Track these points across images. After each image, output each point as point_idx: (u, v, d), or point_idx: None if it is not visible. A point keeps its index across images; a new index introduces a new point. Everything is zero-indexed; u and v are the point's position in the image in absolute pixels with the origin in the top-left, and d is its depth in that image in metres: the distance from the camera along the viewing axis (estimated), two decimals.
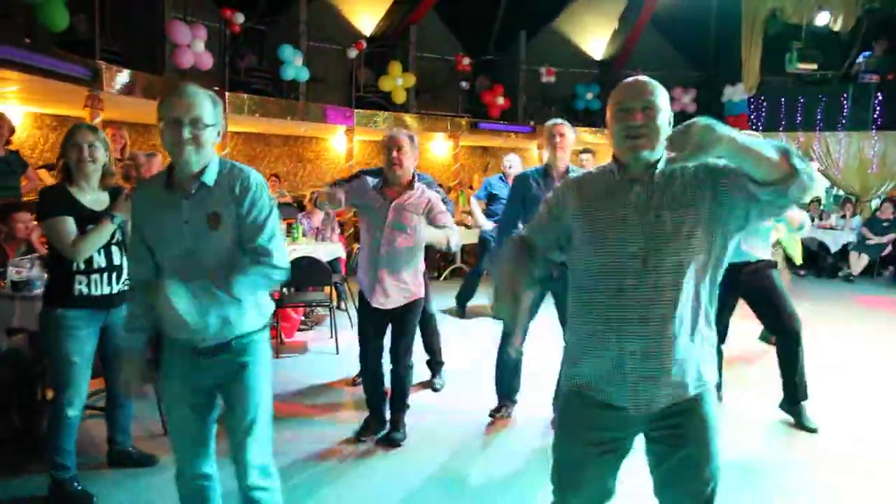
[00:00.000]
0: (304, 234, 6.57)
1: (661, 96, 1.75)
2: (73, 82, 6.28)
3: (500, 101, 12.26)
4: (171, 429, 2.25)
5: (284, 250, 2.12)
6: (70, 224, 2.84)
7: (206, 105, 1.98)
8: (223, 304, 2.05)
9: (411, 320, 3.56)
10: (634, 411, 1.74)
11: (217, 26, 8.94)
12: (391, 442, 3.58)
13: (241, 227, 2.04)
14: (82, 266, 2.88)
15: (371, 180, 3.53)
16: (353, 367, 4.89)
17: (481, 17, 12.98)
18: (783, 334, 3.97)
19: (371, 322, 3.55)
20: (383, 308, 3.48)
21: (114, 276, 2.98)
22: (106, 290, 2.95)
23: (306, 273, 5.45)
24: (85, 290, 2.88)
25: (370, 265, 3.45)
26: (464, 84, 12.15)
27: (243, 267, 2.02)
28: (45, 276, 3.85)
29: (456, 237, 3.52)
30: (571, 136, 3.78)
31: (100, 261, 2.91)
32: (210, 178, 2.03)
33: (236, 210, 2.02)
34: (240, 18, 9.03)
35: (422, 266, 3.59)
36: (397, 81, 10.98)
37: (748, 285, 3.90)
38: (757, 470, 3.43)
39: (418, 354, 4.61)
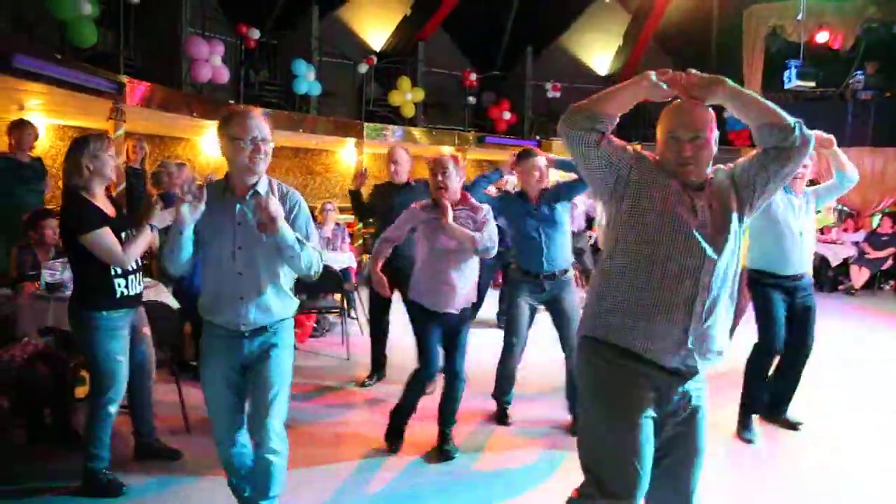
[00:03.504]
0: None
1: (710, 124, 1.92)
2: (99, 95, 6.55)
3: (507, 115, 12.50)
4: (211, 405, 2.55)
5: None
6: (112, 235, 2.98)
7: (266, 126, 2.41)
8: (264, 295, 2.45)
9: (466, 329, 3.66)
10: (652, 358, 1.93)
11: (233, 41, 9.21)
12: (445, 455, 3.60)
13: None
14: (119, 270, 3.04)
15: (418, 208, 3.60)
16: (363, 372, 5.09)
17: (488, 34, 13.26)
18: (803, 350, 3.97)
19: (432, 327, 3.58)
20: (440, 312, 3.54)
21: (140, 275, 3.20)
22: (138, 290, 3.17)
23: (319, 280, 5.61)
24: (125, 290, 3.07)
25: (433, 273, 3.54)
26: (471, 99, 12.40)
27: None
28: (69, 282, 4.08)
29: (488, 233, 3.51)
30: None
31: (132, 263, 3.10)
32: (263, 188, 2.44)
33: (285, 220, 2.37)
34: (255, 34, 9.31)
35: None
36: (406, 96, 11.24)
37: (799, 299, 3.90)
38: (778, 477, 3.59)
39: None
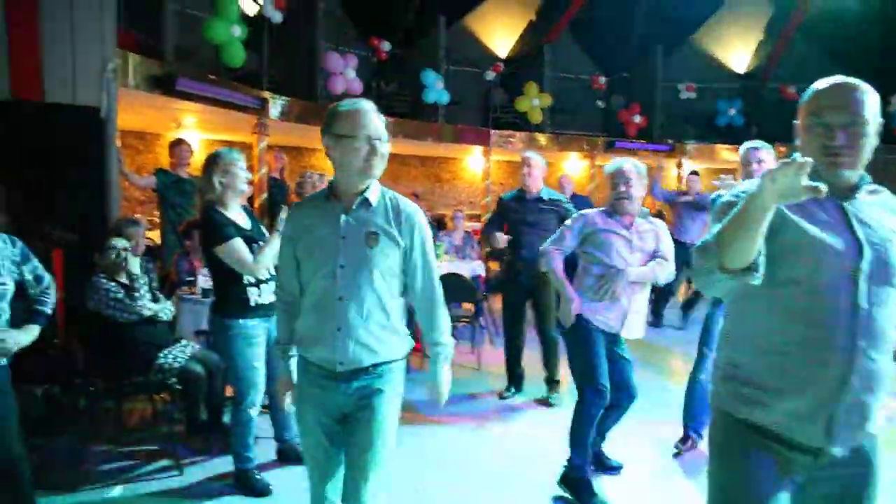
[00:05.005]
0: (446, 252, 6.83)
1: (871, 107, 1.50)
2: (245, 111, 6.99)
3: (637, 119, 12.05)
4: (306, 455, 2.17)
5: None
6: (243, 245, 3.07)
7: (381, 122, 2.03)
8: (367, 328, 2.01)
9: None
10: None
11: (365, 54, 9.54)
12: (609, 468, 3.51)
13: (406, 261, 2.06)
14: (253, 279, 3.13)
15: (594, 214, 3.32)
16: (495, 382, 5.02)
17: (616, 35, 12.86)
18: None
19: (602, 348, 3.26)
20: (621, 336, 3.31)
21: (274, 284, 3.28)
22: (272, 298, 3.21)
23: (451, 289, 5.63)
24: (258, 299, 3.16)
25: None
26: (599, 103, 12.06)
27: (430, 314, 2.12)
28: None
29: (667, 269, 3.26)
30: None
31: (265, 272, 3.19)
32: (373, 196, 2.04)
33: (400, 240, 2.03)
34: (386, 46, 9.57)
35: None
36: (533, 102, 11.11)
37: None
38: None
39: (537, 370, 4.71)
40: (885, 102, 8.78)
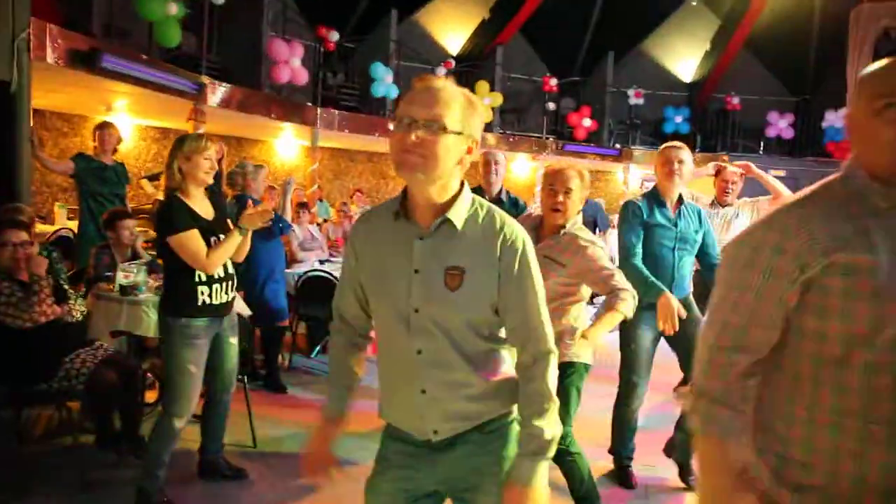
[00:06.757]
0: None
1: None
2: (181, 96, 6.61)
3: (587, 122, 12.11)
4: None
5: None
6: (200, 238, 2.83)
7: (452, 105, 1.40)
8: (462, 393, 1.49)
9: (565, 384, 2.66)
10: None
11: (312, 44, 9.24)
12: None
13: (501, 296, 1.46)
14: (204, 277, 2.88)
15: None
16: None
17: (568, 39, 12.92)
18: None
19: None
20: None
21: (229, 284, 3.00)
22: (224, 299, 2.97)
23: None
24: (207, 299, 2.89)
25: None
26: (550, 105, 12.08)
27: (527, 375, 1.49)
28: (151, 283, 3.99)
29: (629, 305, 2.53)
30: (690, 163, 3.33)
31: (219, 271, 2.92)
32: (458, 215, 1.44)
33: (495, 269, 1.45)
34: (334, 36, 9.29)
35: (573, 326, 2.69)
36: (484, 101, 11.00)
37: None
38: None
39: None
40: (818, 117, 9.15)
